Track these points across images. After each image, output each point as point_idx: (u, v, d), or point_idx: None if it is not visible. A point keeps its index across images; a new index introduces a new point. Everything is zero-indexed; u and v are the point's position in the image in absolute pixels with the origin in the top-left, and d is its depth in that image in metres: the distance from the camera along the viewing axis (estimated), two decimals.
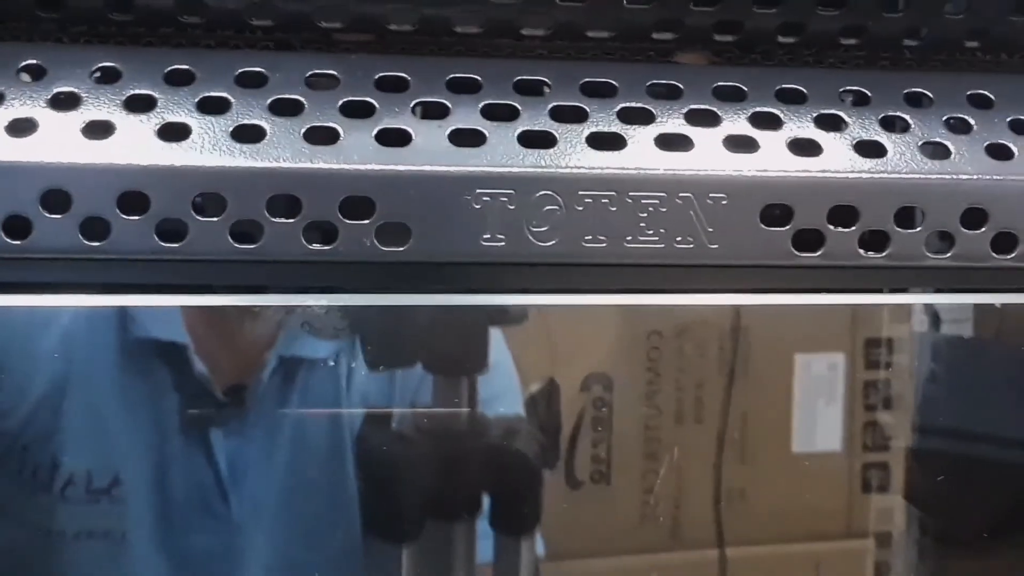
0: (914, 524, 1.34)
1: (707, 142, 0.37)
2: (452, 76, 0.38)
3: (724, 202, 0.36)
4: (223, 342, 0.90)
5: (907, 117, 0.39)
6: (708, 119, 0.38)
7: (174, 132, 0.35)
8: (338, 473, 0.84)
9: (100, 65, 0.36)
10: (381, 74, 0.38)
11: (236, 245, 0.35)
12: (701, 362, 1.43)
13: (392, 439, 0.54)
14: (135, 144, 0.35)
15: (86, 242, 0.34)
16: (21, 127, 0.35)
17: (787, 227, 0.37)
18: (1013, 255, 0.39)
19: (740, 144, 0.37)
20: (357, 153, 0.35)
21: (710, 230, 0.36)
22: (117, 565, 0.90)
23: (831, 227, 0.37)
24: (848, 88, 0.39)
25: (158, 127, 0.35)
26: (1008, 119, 0.39)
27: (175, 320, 0.89)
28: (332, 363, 0.89)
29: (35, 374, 0.87)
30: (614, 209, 0.36)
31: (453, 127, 0.36)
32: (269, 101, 0.36)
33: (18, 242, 0.34)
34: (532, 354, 1.52)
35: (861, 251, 0.37)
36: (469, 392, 0.56)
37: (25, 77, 0.36)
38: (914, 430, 1.31)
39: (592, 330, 1.47)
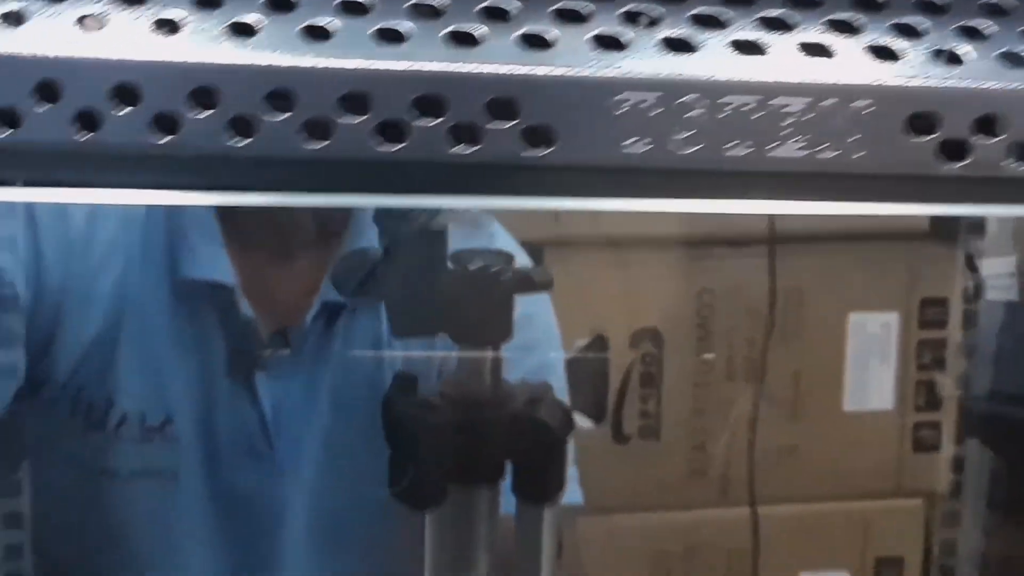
0: (967, 484, 1.33)
1: (850, 50, 0.37)
2: None
3: (869, 110, 0.36)
4: (270, 284, 0.90)
5: None
6: (850, 28, 0.37)
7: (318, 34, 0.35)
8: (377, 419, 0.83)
9: None
10: None
11: (381, 147, 0.35)
12: (752, 319, 1.42)
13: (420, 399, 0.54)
14: (207, 42, 0.34)
15: (156, 138, 0.34)
16: (91, 23, 0.35)
17: (932, 136, 0.36)
18: None
19: (883, 53, 0.37)
20: (500, 55, 0.35)
21: (854, 138, 0.36)
22: (169, 503, 0.90)
23: (976, 137, 0.37)
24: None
25: (301, 29, 0.35)
26: None
27: (222, 261, 0.89)
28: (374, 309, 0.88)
29: (91, 312, 0.87)
30: (757, 115, 0.36)
31: (595, 31, 0.36)
32: (408, 5, 0.36)
33: (88, 136, 0.34)
34: (581, 309, 1.51)
35: (1007, 162, 0.37)
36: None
37: None
38: (970, 389, 1.30)
39: (642, 285, 1.46)
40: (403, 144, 0.35)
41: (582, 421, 1.50)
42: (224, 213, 0.88)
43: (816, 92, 0.36)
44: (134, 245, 0.88)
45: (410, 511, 0.47)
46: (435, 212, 0.48)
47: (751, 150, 0.36)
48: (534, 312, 0.98)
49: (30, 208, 0.83)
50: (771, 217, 1.39)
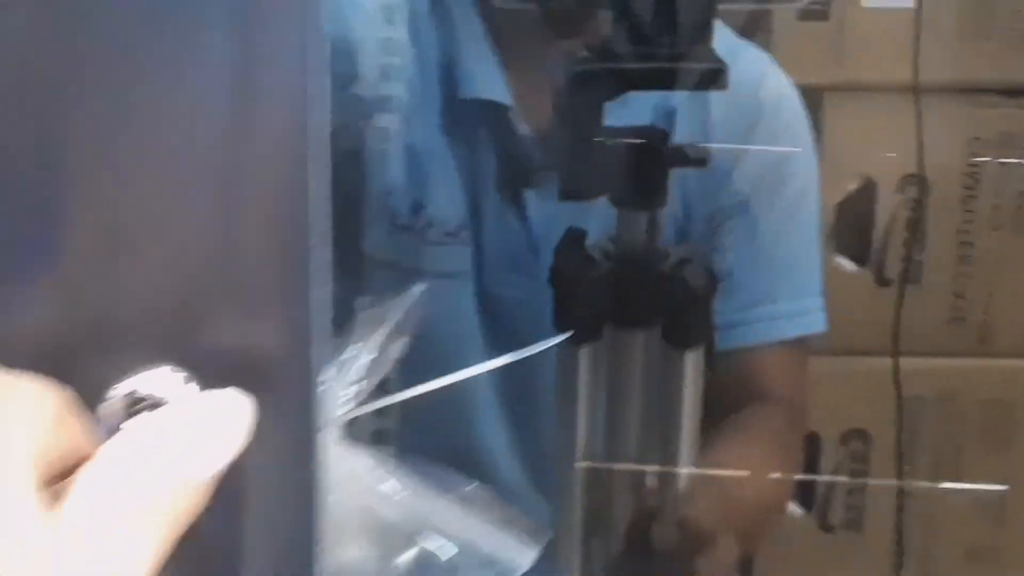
0: None
1: None
2: None
3: None
4: (544, 104, 0.95)
5: None
6: None
7: None
8: None
9: None
10: None
11: None
12: (1021, 170, 1.39)
13: None
14: None
15: None
16: None
17: None
18: None
19: None
20: None
21: None
22: (457, 306, 0.98)
23: None
24: None
25: None
26: None
27: (499, 81, 0.95)
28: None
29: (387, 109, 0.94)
30: None
31: None
32: None
33: None
34: (853, 154, 1.52)
35: None
36: None
37: None
38: None
39: (913, 132, 1.45)
40: None
41: (845, 263, 1.52)
42: (498, 34, 0.92)
43: None
44: (416, 58, 0.94)
45: (569, 346, 0.54)
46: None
47: None
48: (793, 156, 1.01)
49: None
50: None
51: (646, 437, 0.55)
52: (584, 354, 0.54)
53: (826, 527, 1.48)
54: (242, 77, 0.33)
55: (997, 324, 1.39)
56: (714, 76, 0.52)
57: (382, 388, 0.51)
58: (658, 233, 0.53)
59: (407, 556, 0.46)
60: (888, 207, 1.39)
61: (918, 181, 1.37)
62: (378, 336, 0.48)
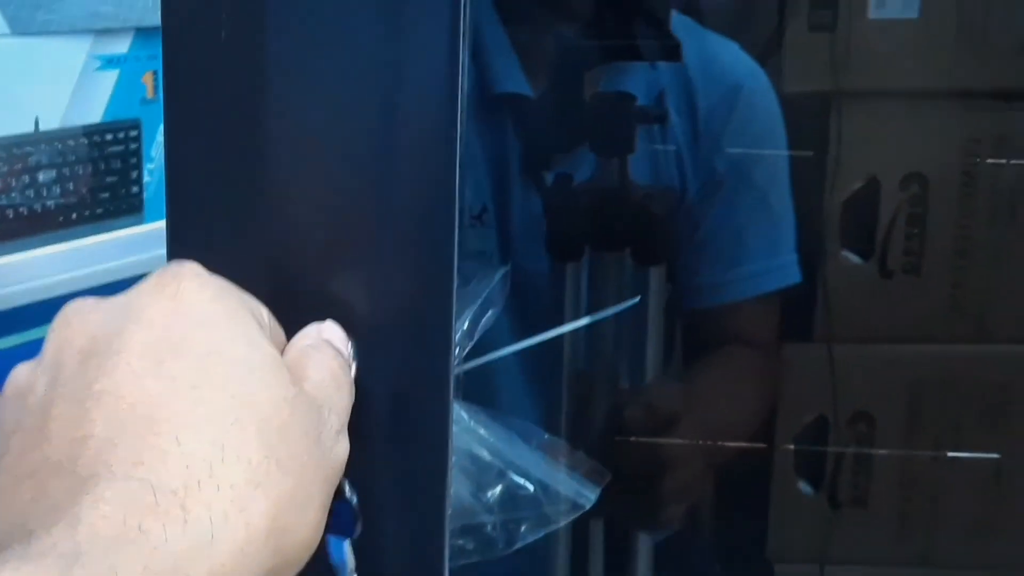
0: None
1: None
2: None
3: None
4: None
5: None
6: None
7: None
8: None
9: None
10: None
11: None
12: (1020, 169, 1.51)
13: None
14: None
15: None
16: None
17: None
18: None
19: None
20: None
21: None
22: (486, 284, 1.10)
23: None
24: None
25: None
26: None
27: (520, 76, 1.08)
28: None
29: None
30: None
31: None
32: None
33: None
34: (858, 156, 1.66)
35: None
36: None
37: None
38: None
39: (912, 133, 1.58)
40: None
41: (852, 257, 1.62)
42: (515, 35, 1.05)
43: None
44: None
45: (557, 263, 0.66)
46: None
47: None
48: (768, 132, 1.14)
49: None
50: None
51: (618, 339, 0.66)
52: (569, 272, 0.66)
53: (834, 504, 1.57)
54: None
55: (993, 312, 1.48)
56: (670, 50, 0.63)
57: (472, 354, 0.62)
58: (627, 174, 0.64)
59: (496, 490, 0.57)
60: (891, 204, 1.50)
61: (919, 180, 1.48)
62: (469, 310, 0.60)
